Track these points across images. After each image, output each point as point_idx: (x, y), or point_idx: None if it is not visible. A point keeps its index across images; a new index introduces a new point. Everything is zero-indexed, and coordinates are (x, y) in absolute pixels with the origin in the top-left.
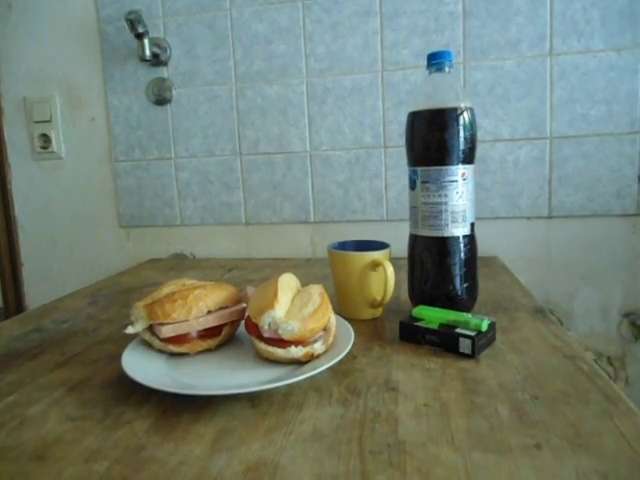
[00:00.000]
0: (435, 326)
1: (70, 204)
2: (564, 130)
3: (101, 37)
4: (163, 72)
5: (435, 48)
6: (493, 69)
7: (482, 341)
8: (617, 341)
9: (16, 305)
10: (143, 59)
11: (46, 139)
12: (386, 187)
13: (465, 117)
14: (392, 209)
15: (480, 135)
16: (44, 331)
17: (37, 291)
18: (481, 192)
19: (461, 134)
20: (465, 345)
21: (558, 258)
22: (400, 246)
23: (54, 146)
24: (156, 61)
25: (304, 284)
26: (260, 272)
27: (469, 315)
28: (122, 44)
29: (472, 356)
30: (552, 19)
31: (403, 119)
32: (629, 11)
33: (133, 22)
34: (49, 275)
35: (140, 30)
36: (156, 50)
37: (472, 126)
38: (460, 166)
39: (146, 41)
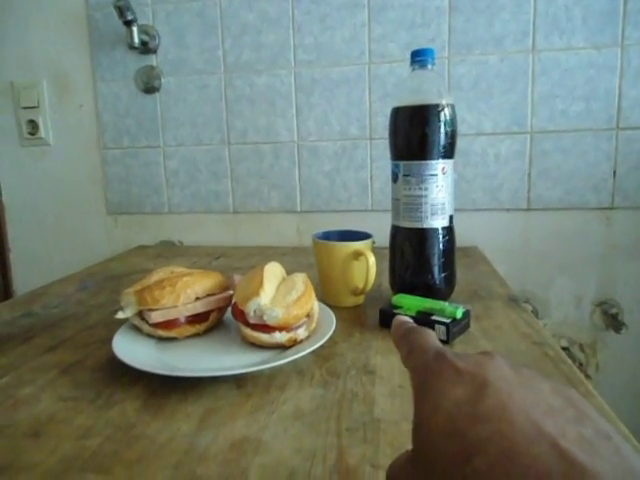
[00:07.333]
0: (413, 313)
1: (58, 190)
2: (544, 125)
3: (89, 23)
4: (152, 60)
5: (421, 42)
6: (477, 64)
7: (456, 328)
8: (589, 329)
9: (3, 290)
10: (132, 47)
11: (34, 125)
12: (371, 178)
13: (446, 113)
14: (377, 200)
15: (463, 129)
16: (34, 316)
17: (24, 276)
18: (463, 184)
19: (442, 130)
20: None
21: (536, 249)
22: (384, 235)
23: (42, 132)
24: (145, 49)
25: (290, 272)
26: (247, 260)
27: (445, 303)
28: (111, 31)
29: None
30: (535, 16)
31: (389, 112)
32: (609, 10)
33: (122, 9)
34: (37, 261)
35: (129, 17)
36: (145, 38)
37: (453, 122)
38: (440, 161)
39: (135, 29)
